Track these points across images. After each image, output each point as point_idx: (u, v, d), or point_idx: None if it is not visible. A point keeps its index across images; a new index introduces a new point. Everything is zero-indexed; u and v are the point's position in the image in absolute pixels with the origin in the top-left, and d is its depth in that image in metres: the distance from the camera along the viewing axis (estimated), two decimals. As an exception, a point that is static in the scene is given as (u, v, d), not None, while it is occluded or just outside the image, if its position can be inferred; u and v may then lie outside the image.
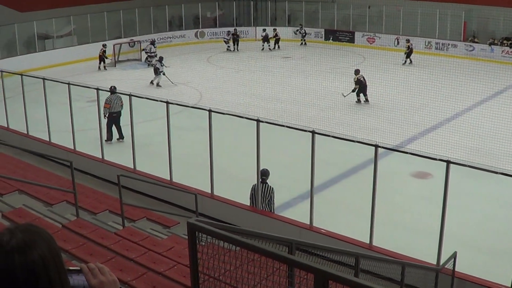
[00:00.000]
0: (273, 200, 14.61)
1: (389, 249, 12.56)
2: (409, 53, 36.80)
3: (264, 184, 14.48)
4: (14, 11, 40.12)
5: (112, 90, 21.54)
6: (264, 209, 14.50)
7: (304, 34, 46.25)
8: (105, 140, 20.51)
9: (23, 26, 39.13)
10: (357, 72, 27.40)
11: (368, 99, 27.22)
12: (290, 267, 4.48)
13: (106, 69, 37.83)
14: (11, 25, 38.28)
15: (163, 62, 33.03)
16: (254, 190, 14.69)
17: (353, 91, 27.10)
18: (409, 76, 28.80)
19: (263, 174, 14.44)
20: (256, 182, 14.63)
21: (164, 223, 14.00)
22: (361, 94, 27.27)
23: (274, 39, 44.47)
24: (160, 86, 32.11)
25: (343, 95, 27.12)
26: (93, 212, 12.98)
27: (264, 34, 44.29)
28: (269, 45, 44.10)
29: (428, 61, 33.81)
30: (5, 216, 9.64)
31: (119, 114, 21.96)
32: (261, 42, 44.38)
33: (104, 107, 21.43)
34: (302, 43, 46.12)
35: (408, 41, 37.18)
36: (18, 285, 2.22)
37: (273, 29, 44.85)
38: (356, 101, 27.25)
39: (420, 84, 28.22)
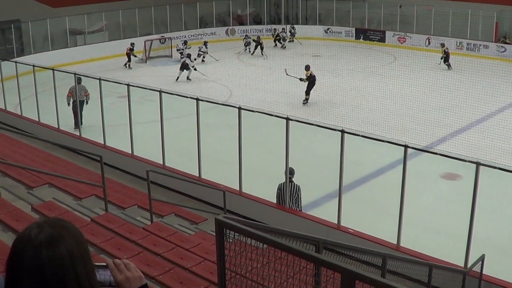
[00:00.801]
0: (300, 198, 14.54)
1: (417, 250, 12.50)
2: (446, 57, 35.70)
3: (290, 183, 14.39)
4: (47, 7, 40.46)
5: (77, 81, 22.50)
6: (291, 207, 14.48)
7: (289, 35, 45.76)
8: (74, 128, 22.52)
9: (55, 21, 39.48)
10: (307, 68, 27.48)
11: (308, 99, 27.48)
12: (317, 266, 4.48)
13: (130, 68, 37.81)
14: (43, 20, 38.61)
15: (191, 58, 34.04)
16: (280, 189, 14.64)
17: (300, 79, 27.34)
18: (440, 77, 28.63)
19: (290, 173, 14.35)
20: (282, 181, 14.61)
21: (192, 219, 14.04)
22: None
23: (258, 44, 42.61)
24: (190, 79, 32.95)
25: (286, 71, 28.09)
26: (122, 207, 13.05)
27: (247, 39, 43.39)
28: (249, 49, 42.81)
29: (459, 61, 33.56)
30: (35, 209, 9.71)
31: (82, 102, 23.36)
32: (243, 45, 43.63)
33: (67, 96, 23.24)
34: (282, 45, 45.24)
35: (443, 45, 36.26)
36: (46, 279, 2.24)
37: (257, 36, 43.69)
38: (304, 101, 27.52)
39: (451, 84, 28.02)
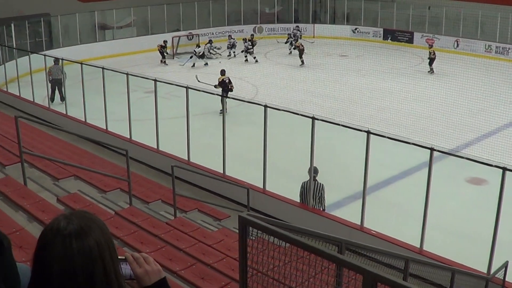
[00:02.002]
0: (324, 197, 14.53)
1: (440, 255, 12.44)
2: (431, 61, 34.61)
3: (314, 182, 14.39)
4: (76, 1, 40.75)
5: (54, 61, 26.33)
6: (315, 206, 14.48)
7: (296, 39, 42.03)
8: (50, 101, 25.34)
9: (84, 16, 39.75)
10: (222, 72, 26.48)
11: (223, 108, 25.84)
12: (339, 266, 4.49)
13: (167, 64, 38.00)
14: (72, 14, 38.87)
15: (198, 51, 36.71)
16: (304, 188, 14.63)
17: (215, 86, 25.34)
18: (468, 80, 28.44)
19: (314, 171, 14.36)
20: (305, 179, 14.60)
21: (215, 216, 14.09)
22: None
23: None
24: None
25: (196, 77, 27.23)
26: (146, 201, 13.12)
27: (231, 41, 41.33)
28: (234, 52, 40.96)
29: (488, 64, 33.34)
30: (60, 200, 9.79)
31: (59, 80, 26.16)
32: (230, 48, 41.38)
33: (47, 74, 26.17)
34: (289, 51, 42.35)
35: (431, 46, 36.12)
36: (75, 270, 2.28)
37: (251, 35, 42.87)
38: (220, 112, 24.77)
39: (479, 88, 27.84)
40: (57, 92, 26.65)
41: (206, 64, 37.56)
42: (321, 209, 14.56)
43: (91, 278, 2.30)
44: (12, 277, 2.92)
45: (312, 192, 14.32)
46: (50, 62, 26.27)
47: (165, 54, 38.16)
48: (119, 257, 2.59)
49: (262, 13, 50.21)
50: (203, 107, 21.73)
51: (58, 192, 10.63)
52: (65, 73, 25.73)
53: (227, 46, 40.46)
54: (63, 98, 25.65)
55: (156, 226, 10.05)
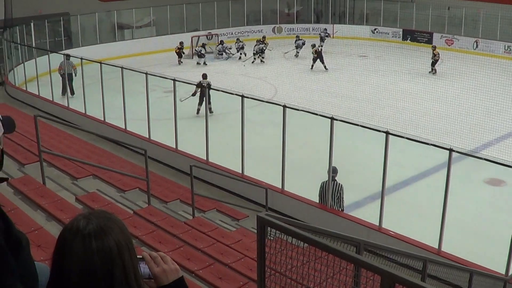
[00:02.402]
0: (343, 198, 14.48)
1: (458, 256, 12.39)
2: (434, 61, 34.36)
3: (333, 182, 14.34)
4: (96, 1, 40.92)
5: (66, 57, 27.53)
6: (333, 206, 14.47)
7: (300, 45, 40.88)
8: (61, 95, 26.51)
9: (104, 15, 39.91)
10: (204, 76, 25.18)
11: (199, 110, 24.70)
12: (357, 267, 4.48)
13: (181, 62, 38.05)
14: (92, 14, 39.04)
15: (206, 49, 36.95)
16: (323, 188, 14.59)
17: (193, 94, 24.22)
18: (487, 80, 28.30)
19: (333, 171, 14.30)
20: (324, 179, 14.57)
21: (233, 216, 14.11)
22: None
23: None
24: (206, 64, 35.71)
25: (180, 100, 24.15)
26: (164, 201, 13.16)
27: (240, 44, 40.42)
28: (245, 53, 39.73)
29: (508, 65, 33.15)
30: (79, 199, 9.83)
31: (70, 75, 27.15)
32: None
33: (59, 69, 27.32)
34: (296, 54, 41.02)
35: (434, 47, 34.93)
36: (94, 269, 2.28)
37: (263, 36, 41.38)
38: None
39: (498, 89, 27.67)
40: (67, 86, 27.14)
41: (205, 63, 37.88)
42: (340, 210, 14.51)
43: (110, 278, 2.30)
44: (31, 276, 2.94)
45: (330, 192, 14.28)
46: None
47: (182, 54, 38.15)
48: (137, 256, 2.60)
49: (282, 13, 50.18)
50: (221, 107, 21.73)
51: (77, 191, 10.69)
52: (75, 69, 27.24)
53: (236, 49, 40.10)
54: (73, 92, 26.94)
55: (175, 226, 10.08)
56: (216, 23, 45.23)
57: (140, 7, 42.21)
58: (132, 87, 21.92)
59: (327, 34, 43.95)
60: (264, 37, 40.43)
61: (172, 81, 18.62)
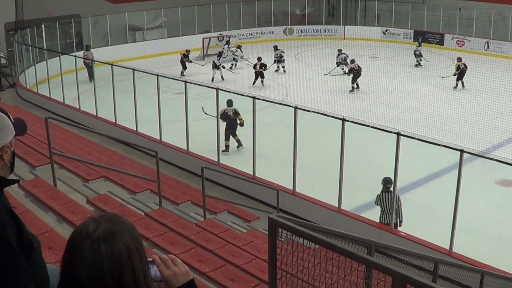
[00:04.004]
0: (401, 209, 13.96)
1: (469, 256, 12.36)
2: (460, 74, 30.84)
3: (389, 193, 13.79)
4: (107, 3, 41.05)
5: (86, 48, 32.35)
6: (392, 219, 13.77)
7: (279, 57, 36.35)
8: (89, 81, 28.09)
9: (115, 17, 39.96)
10: (229, 103, 20.63)
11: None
12: (368, 268, 4.47)
13: (183, 75, 34.05)
14: (103, 16, 39.13)
15: (220, 57, 34.12)
16: (382, 200, 13.97)
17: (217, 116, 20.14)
18: (498, 82, 28.19)
19: (388, 182, 13.84)
20: (378, 192, 14.22)
21: (244, 217, 14.12)
22: None
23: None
24: (223, 79, 32.76)
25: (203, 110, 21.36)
26: (176, 202, 13.17)
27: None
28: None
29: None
30: (90, 201, 9.85)
31: (92, 64, 28.07)
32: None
33: (84, 58, 29.86)
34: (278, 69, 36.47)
35: (460, 59, 31.46)
36: (103, 273, 2.28)
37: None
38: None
39: (510, 89, 27.59)
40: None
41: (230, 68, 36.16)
42: (399, 221, 13.94)
43: (119, 282, 2.30)
44: (42, 278, 2.95)
45: (389, 204, 13.78)
46: (81, 63, 26.56)
47: (186, 64, 36.00)
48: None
49: (293, 15, 50.20)
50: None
51: (88, 193, 10.70)
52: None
53: (275, 60, 36.60)
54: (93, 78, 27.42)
55: (186, 228, 10.08)
56: (228, 25, 45.27)
57: (151, 9, 42.33)
58: (143, 89, 21.96)
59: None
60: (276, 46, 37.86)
61: (184, 83, 18.64)
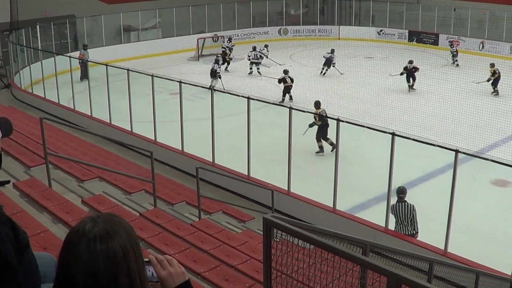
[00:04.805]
0: (416, 219, 13.62)
1: (464, 257, 12.38)
2: (495, 80, 29.97)
3: (403, 203, 13.54)
4: (102, 3, 41.00)
5: (84, 47, 33.01)
6: (407, 229, 13.62)
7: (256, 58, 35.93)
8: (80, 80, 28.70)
9: (110, 18, 39.94)
10: (317, 104, 21.03)
11: None
12: (363, 268, 4.47)
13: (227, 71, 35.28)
14: (98, 16, 39.12)
15: (220, 63, 31.46)
16: (394, 209, 13.70)
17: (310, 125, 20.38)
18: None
19: (401, 192, 13.64)
20: (393, 202, 14.01)
21: (239, 217, 14.12)
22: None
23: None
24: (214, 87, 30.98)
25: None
26: (171, 203, 13.17)
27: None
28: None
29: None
30: (85, 202, 9.84)
31: (87, 63, 29.03)
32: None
33: (79, 57, 30.50)
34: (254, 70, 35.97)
35: (493, 65, 30.68)
36: (98, 273, 2.28)
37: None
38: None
39: (505, 89, 27.64)
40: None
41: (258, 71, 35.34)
42: (414, 232, 13.64)
43: (115, 282, 2.30)
44: (33, 277, 2.94)
45: (403, 216, 13.57)
46: (76, 64, 26.51)
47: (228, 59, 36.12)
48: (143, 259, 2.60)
49: (287, 15, 50.22)
50: (228, 109, 21.74)
51: (83, 194, 10.70)
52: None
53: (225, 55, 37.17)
54: (86, 78, 28.14)
55: (181, 228, 10.08)
56: (222, 25, 45.26)
57: (146, 9, 42.29)
58: (138, 89, 21.95)
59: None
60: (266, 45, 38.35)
61: (178, 83, 18.63)
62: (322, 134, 19.91)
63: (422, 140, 13.44)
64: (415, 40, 45.09)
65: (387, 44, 45.24)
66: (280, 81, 28.13)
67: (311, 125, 19.85)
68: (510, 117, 23.35)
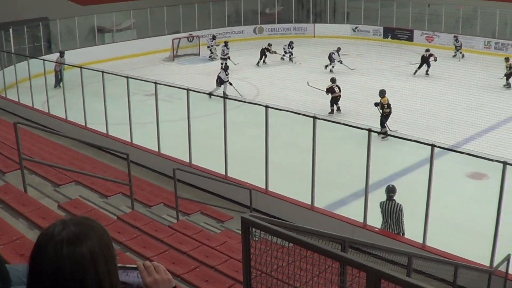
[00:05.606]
0: (402, 219, 13.61)
1: (442, 250, 12.45)
2: (510, 74, 30.63)
3: (391, 202, 13.60)
4: (75, 5, 40.80)
5: (60, 55, 31.78)
6: (392, 228, 13.63)
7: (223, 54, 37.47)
8: (54, 87, 28.60)
9: (84, 19, 39.74)
10: (333, 80, 24.60)
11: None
12: (343, 264, 4.47)
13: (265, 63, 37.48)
14: (71, 18, 38.89)
15: (228, 71, 30.43)
16: (382, 208, 13.74)
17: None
18: (467, 75, 28.43)
19: (391, 191, 13.70)
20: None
21: (218, 218, 14.08)
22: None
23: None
24: (227, 95, 30.84)
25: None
26: (148, 205, 13.11)
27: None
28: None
29: (487, 61, 33.25)
30: (61, 206, 9.76)
31: (62, 70, 29.38)
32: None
33: (56, 66, 29.81)
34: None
35: (507, 59, 31.08)
36: (64, 276, 2.26)
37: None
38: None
39: (479, 83, 27.82)
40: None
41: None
42: (400, 233, 13.62)
43: (81, 286, 2.27)
44: (2, 276, 2.91)
45: (387, 214, 13.63)
46: (49, 67, 26.34)
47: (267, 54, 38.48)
48: (130, 265, 2.61)
49: (262, 14, 50.25)
50: (204, 109, 21.68)
51: (59, 198, 10.61)
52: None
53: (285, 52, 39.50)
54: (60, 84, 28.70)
55: (159, 230, 10.03)
56: (197, 25, 45.18)
57: (120, 10, 42.15)
58: (113, 91, 21.83)
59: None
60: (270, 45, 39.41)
61: (154, 84, 18.57)
62: (386, 120, 22.03)
63: (398, 136, 13.50)
64: (390, 36, 45.35)
65: (362, 41, 45.44)
66: (328, 91, 26.23)
67: (378, 106, 22.93)
68: (484, 110, 23.51)
